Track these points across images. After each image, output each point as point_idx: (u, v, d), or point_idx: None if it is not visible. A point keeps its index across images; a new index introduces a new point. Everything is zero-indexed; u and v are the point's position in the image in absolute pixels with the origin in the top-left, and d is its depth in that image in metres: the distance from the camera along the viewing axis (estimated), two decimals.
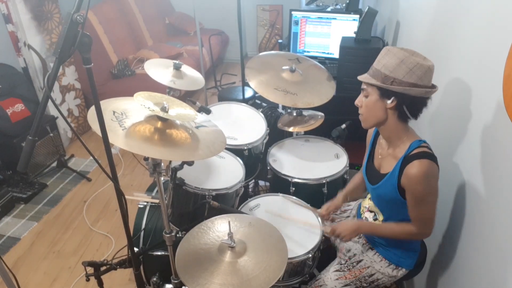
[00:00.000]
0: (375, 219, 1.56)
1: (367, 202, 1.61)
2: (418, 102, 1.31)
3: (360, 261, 1.59)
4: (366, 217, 1.61)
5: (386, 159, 1.44)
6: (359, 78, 1.40)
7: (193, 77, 2.05)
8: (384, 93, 1.32)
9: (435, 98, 1.77)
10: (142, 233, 1.90)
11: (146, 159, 1.39)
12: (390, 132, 1.41)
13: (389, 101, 1.32)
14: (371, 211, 1.59)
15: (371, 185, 1.51)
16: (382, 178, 1.42)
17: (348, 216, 1.79)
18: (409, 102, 1.31)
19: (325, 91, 2.17)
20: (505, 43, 1.06)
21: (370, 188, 1.54)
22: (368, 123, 1.43)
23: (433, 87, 1.31)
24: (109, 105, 1.34)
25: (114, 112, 1.31)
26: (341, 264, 1.63)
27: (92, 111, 1.17)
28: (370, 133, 1.61)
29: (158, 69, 1.95)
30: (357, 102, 1.43)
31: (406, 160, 1.32)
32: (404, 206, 1.40)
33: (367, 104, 1.38)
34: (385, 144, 1.47)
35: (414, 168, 1.29)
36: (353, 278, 1.58)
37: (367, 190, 1.62)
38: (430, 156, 1.31)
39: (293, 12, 3.14)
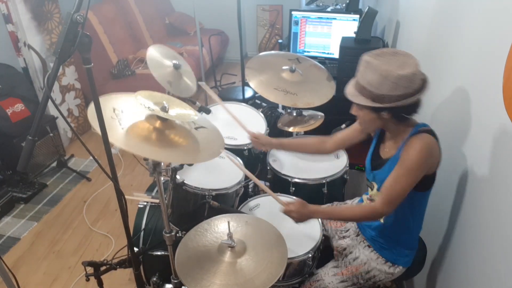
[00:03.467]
0: None
1: (371, 192, 1.61)
2: (414, 105, 1.31)
3: (356, 258, 1.59)
4: None
5: (392, 147, 1.46)
6: (347, 95, 1.38)
7: (187, 83, 2.01)
8: (377, 109, 1.32)
9: (435, 99, 1.78)
10: (142, 233, 1.90)
11: (146, 159, 1.39)
12: (392, 130, 1.42)
13: (383, 113, 1.33)
14: (371, 201, 1.59)
15: (374, 170, 1.51)
16: (385, 163, 1.44)
17: None
18: (404, 109, 1.31)
19: (325, 91, 2.17)
20: (505, 43, 1.06)
21: (373, 174, 1.53)
22: (367, 131, 1.46)
23: (423, 85, 1.28)
24: (109, 101, 1.33)
25: (114, 110, 1.30)
26: (338, 261, 1.63)
27: (92, 108, 1.16)
28: None
29: (159, 63, 1.91)
30: (353, 112, 1.43)
31: (412, 135, 1.32)
32: None
33: (363, 117, 1.39)
34: (390, 136, 1.48)
35: (416, 138, 1.30)
36: (349, 275, 1.58)
37: (367, 178, 1.61)
38: (434, 135, 1.31)
39: (293, 12, 3.15)
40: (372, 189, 1.57)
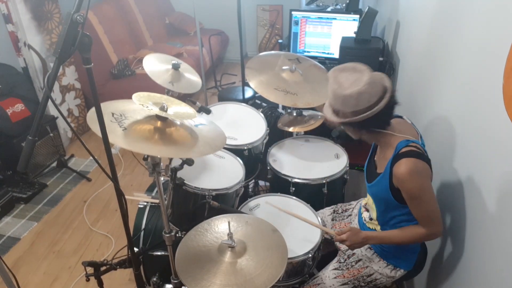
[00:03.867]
0: (371, 219, 1.56)
1: (365, 201, 1.62)
2: (376, 119, 1.32)
3: (358, 260, 1.59)
4: (364, 217, 1.61)
5: (381, 160, 1.47)
6: (325, 106, 1.46)
7: (191, 79, 2.04)
8: (341, 122, 1.37)
9: (435, 99, 1.78)
10: (142, 233, 1.90)
11: (145, 159, 1.39)
12: (375, 141, 1.46)
13: (348, 126, 1.38)
14: (368, 210, 1.59)
15: (368, 183, 1.52)
16: (376, 177, 1.45)
17: (350, 215, 1.80)
18: (367, 123, 1.33)
19: (325, 91, 2.16)
20: (505, 43, 1.06)
21: (367, 186, 1.55)
22: (355, 138, 1.48)
23: (379, 101, 1.29)
24: (107, 108, 1.34)
25: (113, 114, 1.30)
26: (340, 262, 1.63)
27: (91, 113, 1.17)
28: None
29: (157, 68, 1.93)
30: None
31: (394, 160, 1.34)
32: (396, 207, 1.41)
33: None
34: (379, 147, 1.50)
35: (401, 166, 1.30)
36: (351, 277, 1.58)
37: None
38: (417, 154, 1.31)
39: (293, 12, 3.15)
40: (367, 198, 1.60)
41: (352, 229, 1.48)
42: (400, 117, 1.50)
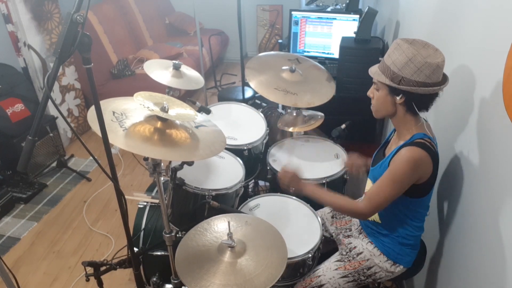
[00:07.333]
0: None
1: (366, 189, 1.62)
2: (427, 98, 1.33)
3: (360, 253, 1.60)
4: None
5: (392, 146, 1.48)
6: (370, 71, 1.42)
7: (193, 76, 2.06)
8: (393, 90, 1.35)
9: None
10: (142, 233, 1.90)
11: (146, 159, 1.39)
12: (399, 123, 1.44)
13: (398, 97, 1.35)
14: None
15: (372, 167, 1.54)
16: (381, 160, 1.47)
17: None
18: (418, 99, 1.34)
19: (325, 91, 2.16)
20: (505, 43, 1.06)
21: (370, 170, 1.56)
22: (378, 114, 1.47)
23: (443, 82, 1.32)
24: (108, 105, 1.34)
25: (114, 113, 1.31)
26: (342, 255, 1.64)
27: (92, 111, 1.17)
28: None
29: (158, 69, 1.95)
30: (369, 93, 1.46)
31: (405, 145, 1.35)
32: None
33: (378, 97, 1.41)
34: (396, 135, 1.50)
35: (406, 150, 1.32)
36: (352, 270, 1.58)
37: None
38: (428, 149, 1.31)
39: (293, 12, 3.15)
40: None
41: (295, 175, 1.62)
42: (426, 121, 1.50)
